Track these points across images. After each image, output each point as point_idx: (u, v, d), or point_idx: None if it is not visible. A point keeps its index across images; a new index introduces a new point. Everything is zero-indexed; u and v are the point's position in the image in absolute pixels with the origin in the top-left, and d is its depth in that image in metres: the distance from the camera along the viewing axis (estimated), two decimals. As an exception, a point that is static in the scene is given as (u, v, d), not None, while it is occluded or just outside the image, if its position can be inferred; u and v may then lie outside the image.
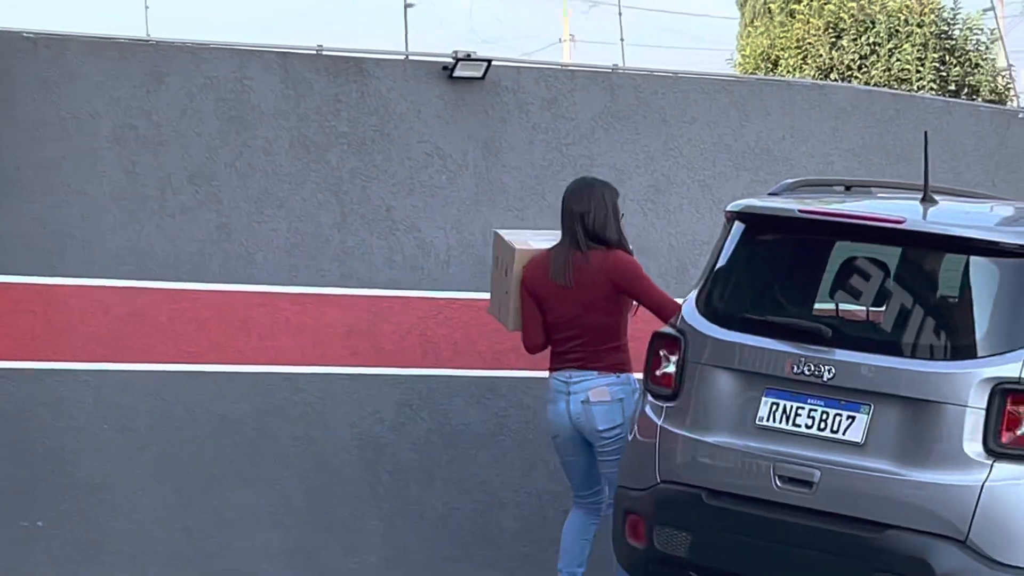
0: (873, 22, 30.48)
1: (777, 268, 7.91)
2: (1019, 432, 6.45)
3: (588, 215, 8.53)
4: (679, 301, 8.28)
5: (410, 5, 11.53)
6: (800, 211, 7.53)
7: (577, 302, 8.53)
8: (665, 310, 8.44)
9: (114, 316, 9.26)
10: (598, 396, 8.59)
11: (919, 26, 29.24)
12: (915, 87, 27.65)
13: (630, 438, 8.00)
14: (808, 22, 32.26)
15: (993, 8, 30.28)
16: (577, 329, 8.68)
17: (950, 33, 28.56)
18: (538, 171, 10.92)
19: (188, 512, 9.66)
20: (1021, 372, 6.52)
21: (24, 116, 9.16)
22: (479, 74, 10.56)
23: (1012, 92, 22.43)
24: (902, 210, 7.36)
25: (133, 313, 9.35)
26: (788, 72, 30.35)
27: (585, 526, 9.05)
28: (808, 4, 33.22)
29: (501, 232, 9.27)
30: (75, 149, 9.24)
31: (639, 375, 8.36)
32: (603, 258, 8.52)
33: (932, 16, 29.32)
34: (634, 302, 8.72)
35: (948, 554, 6.52)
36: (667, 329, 7.74)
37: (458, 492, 10.66)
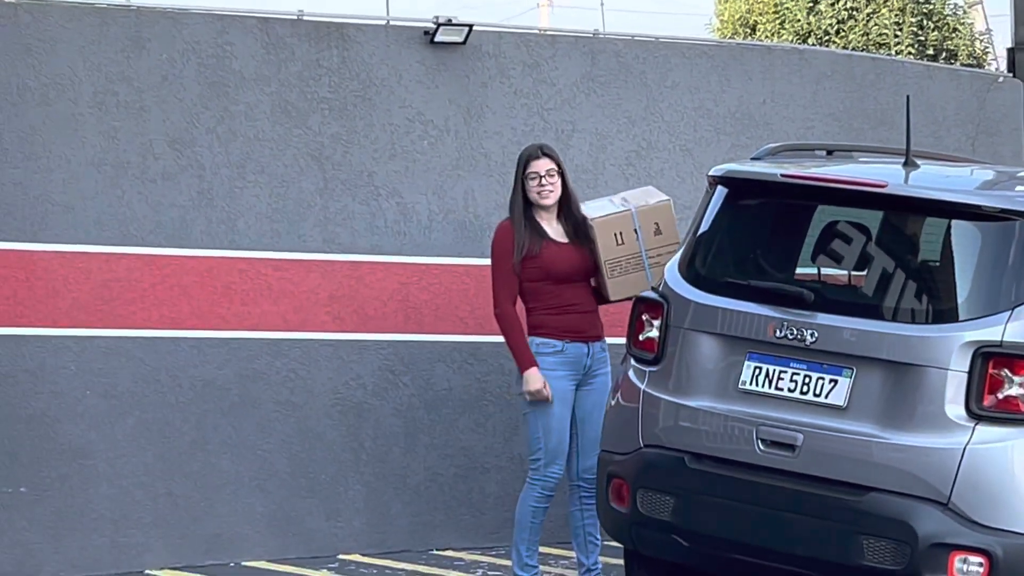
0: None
1: (759, 232, 7.90)
2: (1001, 395, 6.48)
3: None
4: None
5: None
6: (783, 175, 7.52)
7: None
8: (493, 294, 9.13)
9: (96, 282, 9.30)
10: None
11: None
12: (893, 51, 27.66)
13: (612, 403, 8.03)
14: None
15: None
16: None
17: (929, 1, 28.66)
18: (519, 136, 10.89)
19: (171, 477, 9.68)
20: (1003, 335, 6.54)
21: (5, 82, 9.18)
22: (460, 39, 10.65)
23: (990, 56, 22.37)
24: (884, 174, 7.42)
25: (115, 279, 9.38)
26: (766, 37, 30.28)
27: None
28: None
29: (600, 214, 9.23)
30: (56, 115, 9.25)
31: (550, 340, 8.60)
32: None
33: None
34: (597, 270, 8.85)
35: (930, 516, 6.54)
36: (650, 294, 7.74)
37: (440, 457, 10.73)
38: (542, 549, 9.93)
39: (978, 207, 7.01)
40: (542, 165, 8.78)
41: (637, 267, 8.85)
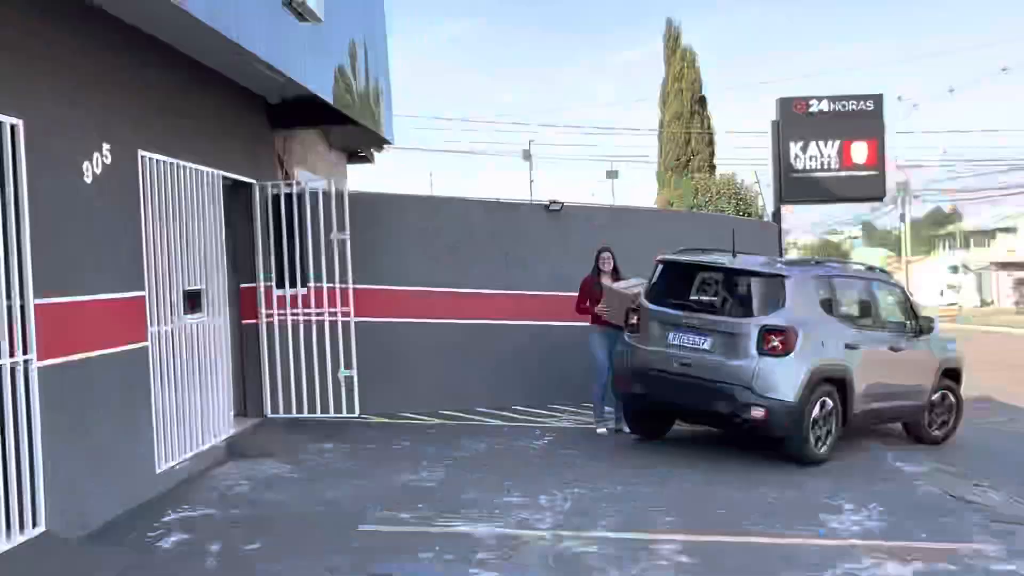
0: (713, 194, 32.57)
1: (676, 280, 8.78)
2: (768, 345, 7.95)
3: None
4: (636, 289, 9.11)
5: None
6: (682, 259, 8.81)
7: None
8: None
9: None
10: None
11: (723, 190, 31.22)
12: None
13: (619, 348, 8.97)
14: (676, 189, 33.75)
15: (757, 180, 32.08)
16: None
17: (740, 193, 30.42)
18: (587, 246, 10.54)
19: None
20: (769, 321, 7.98)
21: None
22: (559, 208, 11.37)
23: (765, 217, 24.25)
24: (723, 259, 8.60)
25: None
26: (678, 209, 32.19)
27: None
28: (677, 181, 34.80)
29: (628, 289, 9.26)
30: None
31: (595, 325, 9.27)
32: None
33: (731, 188, 31.40)
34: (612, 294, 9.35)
35: (744, 391, 7.97)
36: (634, 304, 8.89)
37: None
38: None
39: (758, 272, 8.37)
40: (604, 256, 9.59)
41: (619, 311, 9.14)
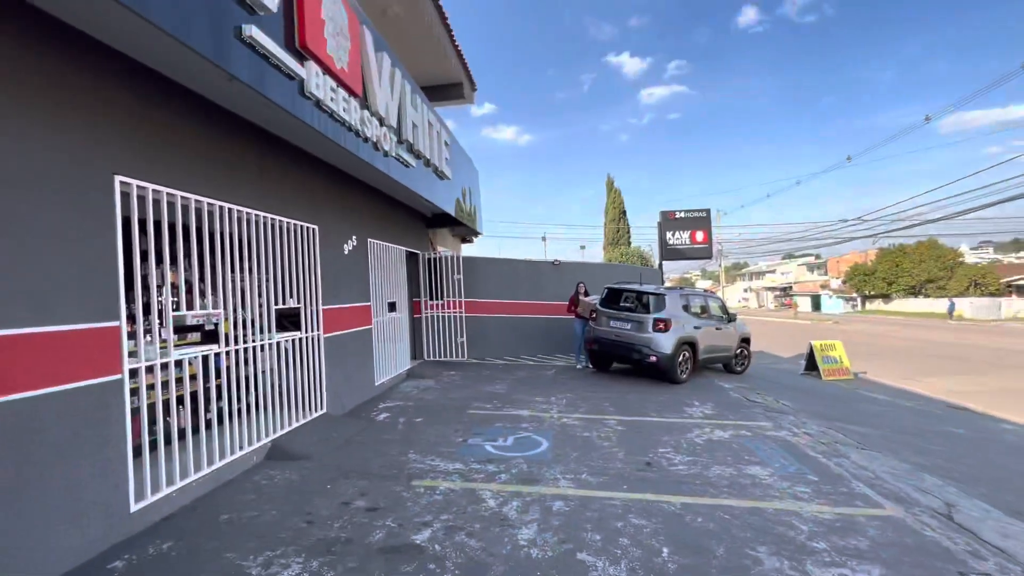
0: (630, 255, 31.74)
1: (614, 296, 7.92)
2: (658, 327, 7.23)
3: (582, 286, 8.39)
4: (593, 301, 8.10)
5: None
6: (616, 286, 8.05)
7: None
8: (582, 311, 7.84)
9: None
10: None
11: (635, 254, 30.79)
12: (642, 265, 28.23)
13: (587, 328, 8.01)
14: (613, 252, 33.04)
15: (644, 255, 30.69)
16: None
17: (643, 256, 29.71)
18: (572, 279, 9.50)
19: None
20: (658, 315, 7.38)
21: None
22: (559, 263, 9.96)
23: (655, 266, 23.05)
24: (636, 286, 7.93)
25: None
26: (619, 262, 31.14)
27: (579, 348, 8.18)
28: (613, 250, 33.99)
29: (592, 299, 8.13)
30: None
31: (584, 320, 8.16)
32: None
33: (638, 253, 30.97)
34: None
35: (646, 349, 7.27)
36: (594, 308, 8.03)
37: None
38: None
39: (653, 292, 7.65)
40: (580, 285, 8.60)
41: (587, 311, 8.21)
